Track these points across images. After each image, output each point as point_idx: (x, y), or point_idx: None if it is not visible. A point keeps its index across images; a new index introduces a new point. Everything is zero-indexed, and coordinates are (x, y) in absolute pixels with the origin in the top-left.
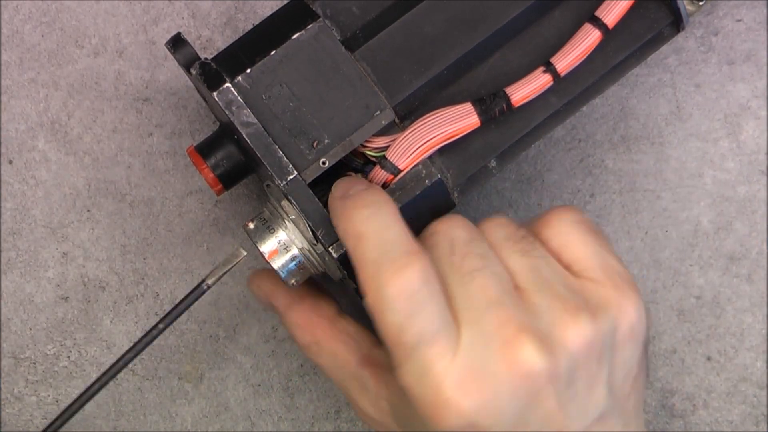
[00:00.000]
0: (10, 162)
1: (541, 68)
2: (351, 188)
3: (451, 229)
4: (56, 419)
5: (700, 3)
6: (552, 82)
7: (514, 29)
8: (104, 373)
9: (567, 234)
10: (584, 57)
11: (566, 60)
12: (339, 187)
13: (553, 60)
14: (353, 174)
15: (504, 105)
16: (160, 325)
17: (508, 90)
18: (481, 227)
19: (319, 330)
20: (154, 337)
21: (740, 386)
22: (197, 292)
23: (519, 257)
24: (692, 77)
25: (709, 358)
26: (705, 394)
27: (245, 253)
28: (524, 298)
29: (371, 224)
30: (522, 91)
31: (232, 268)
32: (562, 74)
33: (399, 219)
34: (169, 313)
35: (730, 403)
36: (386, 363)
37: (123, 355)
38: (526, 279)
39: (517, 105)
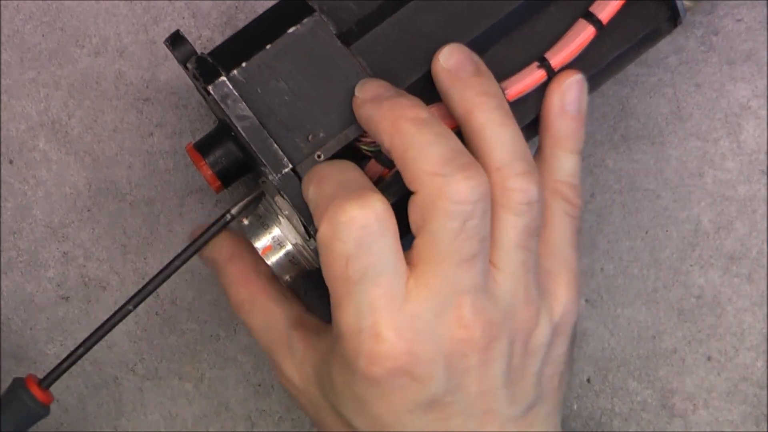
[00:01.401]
0: (11, 162)
1: (536, 63)
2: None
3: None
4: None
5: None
6: (546, 78)
7: (510, 25)
8: (128, 301)
9: (558, 221)
10: (578, 52)
11: (560, 55)
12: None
13: (547, 55)
14: None
15: None
16: (176, 262)
17: (503, 85)
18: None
19: (255, 287)
20: (179, 266)
21: (740, 386)
22: (221, 222)
23: (516, 247)
24: (692, 77)
25: (709, 358)
26: (705, 394)
27: (262, 187)
28: (494, 277)
29: (333, 169)
30: (516, 86)
31: (253, 199)
32: (556, 69)
33: (360, 171)
34: (194, 242)
35: (730, 403)
36: (317, 327)
37: (148, 283)
38: (507, 260)
39: (511, 99)
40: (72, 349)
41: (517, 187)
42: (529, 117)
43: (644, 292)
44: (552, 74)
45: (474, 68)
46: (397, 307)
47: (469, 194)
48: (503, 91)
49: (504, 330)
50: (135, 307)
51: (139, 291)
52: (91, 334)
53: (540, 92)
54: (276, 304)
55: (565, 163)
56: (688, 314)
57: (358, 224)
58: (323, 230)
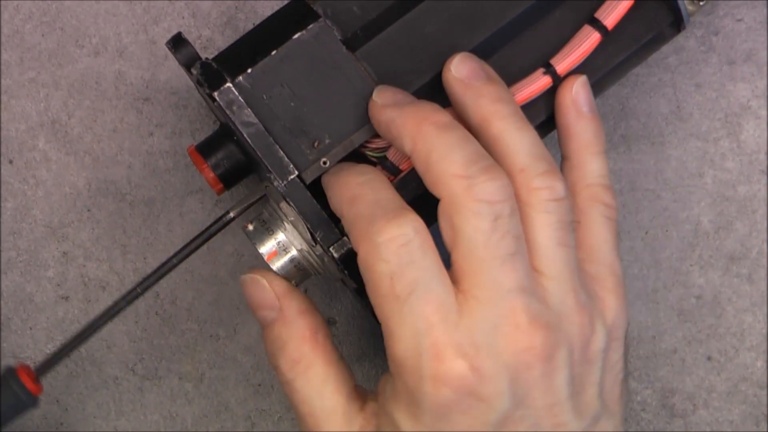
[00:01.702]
0: (11, 162)
1: (541, 70)
2: (342, 163)
3: (500, 205)
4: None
5: (701, 3)
6: (551, 84)
7: (515, 30)
8: (123, 297)
9: (597, 226)
10: (584, 58)
11: (566, 61)
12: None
13: (552, 61)
14: None
15: None
16: (174, 260)
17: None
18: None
19: (321, 347)
20: (175, 265)
21: (740, 386)
22: (221, 223)
23: (554, 245)
24: (692, 77)
25: (709, 358)
26: (705, 394)
27: (264, 191)
28: (539, 282)
29: (365, 188)
30: (522, 93)
31: (255, 203)
32: (562, 75)
33: (392, 186)
34: (194, 240)
35: (730, 403)
36: (370, 396)
37: (146, 278)
38: (548, 260)
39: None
40: (71, 346)
41: (543, 185)
42: (535, 122)
43: (644, 292)
44: (557, 80)
45: (486, 76)
46: (452, 323)
47: (495, 193)
48: None
49: (562, 336)
50: (129, 303)
51: (136, 286)
52: (85, 328)
53: (545, 98)
54: (336, 370)
55: (593, 165)
56: (688, 314)
57: (399, 242)
58: (363, 253)
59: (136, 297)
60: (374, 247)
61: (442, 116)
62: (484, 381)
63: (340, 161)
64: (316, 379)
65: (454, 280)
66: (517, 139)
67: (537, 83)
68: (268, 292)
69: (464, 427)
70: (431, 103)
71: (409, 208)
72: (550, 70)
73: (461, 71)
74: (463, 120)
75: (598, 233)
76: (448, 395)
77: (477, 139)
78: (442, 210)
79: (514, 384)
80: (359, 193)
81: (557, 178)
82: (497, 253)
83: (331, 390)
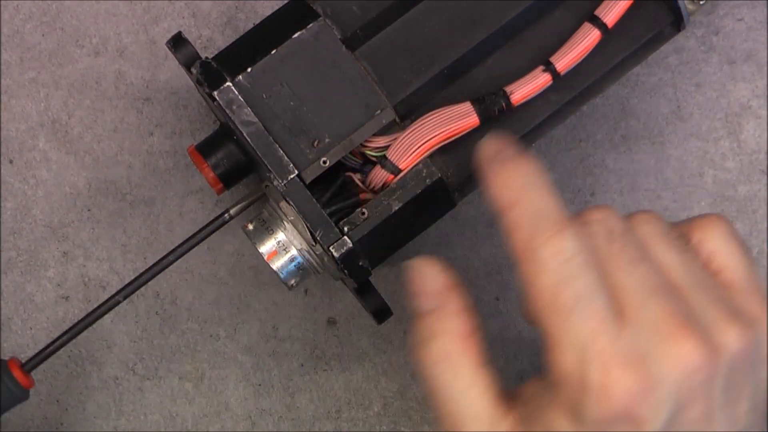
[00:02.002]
0: (11, 161)
1: (541, 67)
2: (502, 151)
3: (608, 219)
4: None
5: (701, 2)
6: (551, 81)
7: (514, 29)
8: (113, 296)
9: (721, 241)
10: (584, 56)
11: (566, 59)
12: (488, 148)
13: (552, 59)
14: (352, 175)
15: (503, 104)
16: (171, 258)
17: (508, 89)
18: (632, 221)
19: (472, 343)
20: (171, 262)
21: None
22: (219, 221)
23: (675, 255)
24: (693, 77)
25: None
26: None
27: (263, 191)
28: (682, 295)
29: (528, 193)
30: (522, 90)
31: (254, 202)
32: (562, 73)
33: (553, 192)
34: (191, 238)
35: None
36: (517, 397)
37: (140, 275)
38: (682, 277)
39: (516, 104)
40: (63, 340)
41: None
42: (535, 120)
43: None
44: (557, 78)
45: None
46: (615, 334)
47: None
48: (508, 95)
49: (721, 344)
50: (125, 298)
51: (130, 283)
52: (78, 322)
53: (544, 96)
54: (485, 373)
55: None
56: None
57: (562, 258)
58: (525, 264)
59: (132, 293)
60: (537, 261)
61: (527, 168)
62: (649, 394)
63: (339, 161)
64: (463, 379)
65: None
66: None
67: (536, 81)
68: (436, 281)
69: None
70: (528, 162)
71: (569, 219)
72: (550, 67)
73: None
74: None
75: (725, 250)
76: (613, 407)
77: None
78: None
79: (676, 393)
80: (521, 197)
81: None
82: (634, 257)
83: (478, 393)
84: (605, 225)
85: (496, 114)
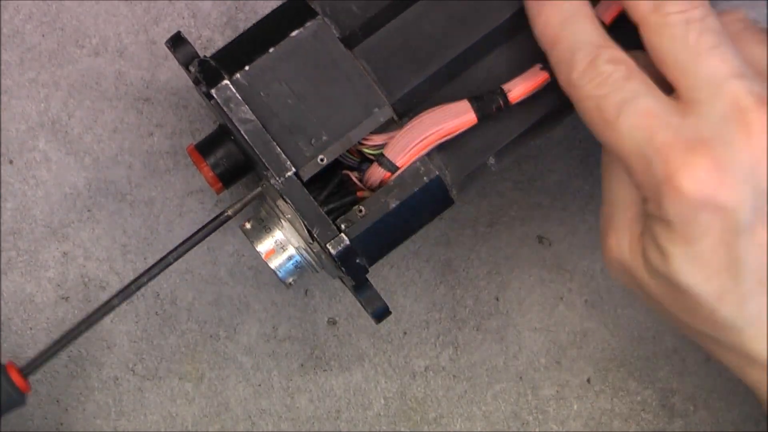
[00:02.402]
0: (11, 162)
1: (539, 65)
2: None
3: (689, 12)
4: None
5: None
6: (549, 79)
7: (513, 27)
8: (111, 298)
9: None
10: None
11: None
12: None
13: None
14: (350, 173)
15: (501, 102)
16: (170, 258)
17: (506, 87)
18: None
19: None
20: (170, 263)
21: (740, 386)
22: (217, 222)
23: (759, 47)
24: None
25: (709, 358)
26: (705, 394)
27: (260, 189)
28: (759, 81)
29: (565, 29)
30: (519, 88)
31: (252, 199)
32: None
33: (592, 18)
34: (190, 238)
35: (730, 403)
36: None
37: (136, 279)
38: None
39: (514, 101)
40: (63, 343)
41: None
42: (533, 118)
43: None
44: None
45: None
46: (676, 125)
47: (681, 3)
48: (506, 92)
49: None
50: (121, 302)
51: (127, 286)
52: (75, 326)
53: (544, 93)
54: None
55: None
56: None
57: (598, 80)
58: (569, 95)
59: (130, 295)
60: (577, 89)
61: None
62: (725, 176)
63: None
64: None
65: (675, 97)
66: None
67: (534, 78)
68: None
69: (717, 231)
70: None
71: (607, 41)
72: (547, 65)
73: None
74: None
75: None
76: (687, 199)
77: None
78: (642, 37)
79: (754, 177)
80: (559, 34)
81: None
82: (699, 50)
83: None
84: (683, 15)
85: (494, 112)
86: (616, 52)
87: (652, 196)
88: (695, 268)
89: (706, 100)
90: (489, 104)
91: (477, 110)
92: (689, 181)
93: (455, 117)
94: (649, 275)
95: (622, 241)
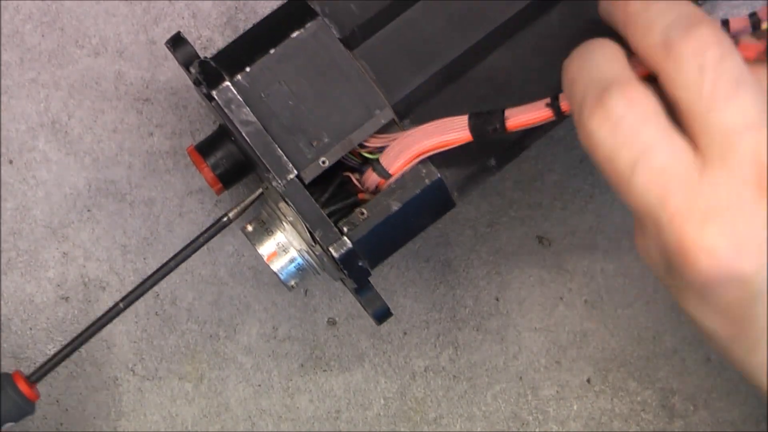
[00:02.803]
0: (11, 162)
1: (546, 101)
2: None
3: (703, 56)
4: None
5: (700, 3)
6: (553, 118)
7: (513, 28)
8: (123, 299)
9: None
10: None
11: None
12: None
13: (562, 96)
14: (350, 175)
15: (497, 126)
16: (171, 264)
17: (507, 113)
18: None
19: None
20: (172, 269)
21: (740, 386)
22: (218, 225)
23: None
24: None
25: (709, 359)
26: (705, 394)
27: (261, 190)
28: None
29: (582, 71)
30: (519, 118)
31: (252, 203)
32: (566, 113)
33: (610, 56)
34: (192, 243)
35: (730, 403)
36: None
37: (141, 283)
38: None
39: (510, 129)
40: (69, 350)
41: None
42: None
43: (644, 293)
44: (560, 116)
45: None
46: (692, 187)
47: (696, 49)
48: (505, 119)
49: None
50: (126, 306)
51: (132, 291)
52: (81, 333)
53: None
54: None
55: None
56: None
57: (608, 126)
58: (581, 140)
59: (132, 303)
60: (588, 134)
61: None
62: (742, 246)
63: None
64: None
65: (693, 146)
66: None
67: (537, 113)
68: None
69: (732, 294)
70: None
71: (624, 79)
72: (554, 104)
73: None
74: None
75: None
76: (704, 270)
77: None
78: (659, 81)
79: None
80: (576, 77)
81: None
82: (714, 100)
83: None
84: (696, 59)
85: (489, 133)
86: (632, 88)
87: (667, 256)
88: (709, 315)
89: (723, 156)
90: (486, 125)
91: (473, 129)
92: (704, 256)
93: (451, 132)
94: (668, 282)
95: (648, 244)
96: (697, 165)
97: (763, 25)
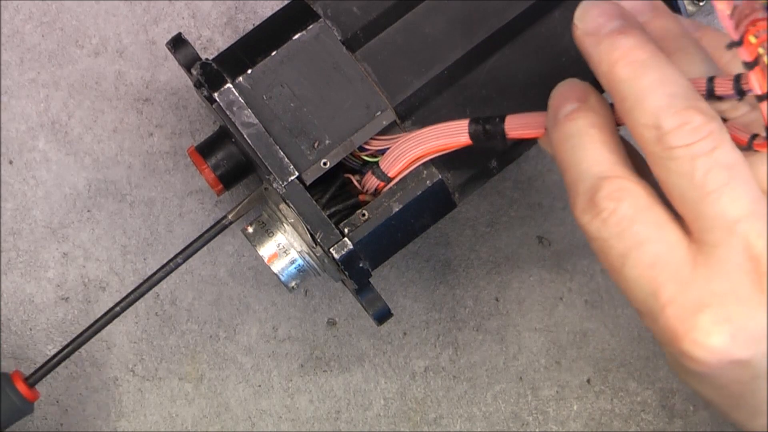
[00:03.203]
0: (11, 162)
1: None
2: (559, 111)
3: (695, 145)
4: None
5: (701, 3)
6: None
7: (514, 30)
8: (123, 299)
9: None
10: None
11: None
12: (551, 104)
13: None
14: (351, 176)
15: (497, 133)
16: (178, 259)
17: (508, 123)
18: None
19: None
20: (172, 270)
21: None
22: (219, 226)
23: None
24: None
25: None
26: None
27: (261, 193)
28: None
29: (569, 155)
30: (520, 130)
31: (253, 206)
32: None
33: (599, 141)
34: (190, 245)
35: None
36: None
37: (138, 286)
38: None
39: (510, 139)
40: (68, 351)
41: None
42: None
43: None
44: None
45: (617, 26)
46: (684, 279)
47: (687, 137)
48: (505, 130)
49: None
50: (123, 310)
51: (130, 294)
52: (78, 335)
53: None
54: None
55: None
56: None
57: (598, 221)
58: (581, 228)
59: (131, 304)
60: (582, 226)
61: (639, 53)
62: (738, 335)
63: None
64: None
65: (687, 233)
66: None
67: (538, 126)
68: (577, 87)
69: (730, 376)
70: (634, 34)
71: (614, 169)
72: None
73: (587, 24)
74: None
75: None
76: (700, 359)
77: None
78: (648, 162)
79: None
80: (565, 160)
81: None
82: (707, 189)
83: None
84: (688, 152)
85: (489, 139)
86: (621, 183)
87: (662, 343)
88: (708, 391)
89: (716, 244)
90: (486, 131)
91: (472, 134)
92: (698, 346)
93: (451, 136)
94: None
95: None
96: (690, 254)
97: (750, 93)
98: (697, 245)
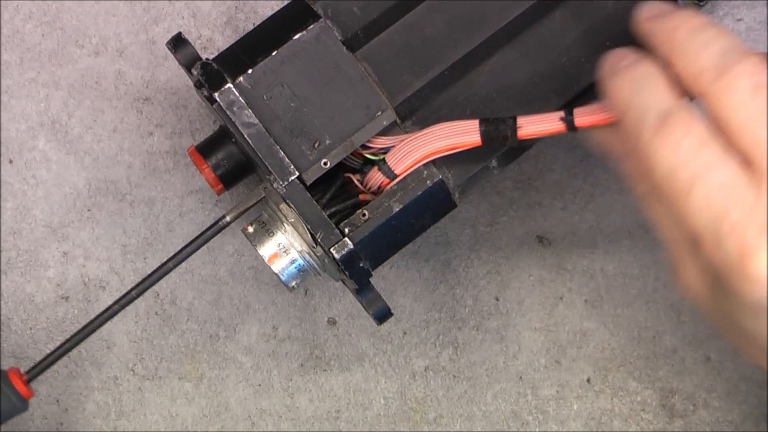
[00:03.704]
0: (11, 162)
1: (561, 113)
2: (620, 62)
3: (756, 77)
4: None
5: (701, 3)
6: (564, 131)
7: (515, 30)
8: (116, 302)
9: None
10: (608, 122)
11: (588, 118)
12: (610, 60)
13: (576, 111)
14: (351, 176)
15: (509, 133)
16: (170, 265)
17: (519, 121)
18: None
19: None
20: (167, 272)
21: (740, 386)
22: (216, 228)
23: None
24: None
25: (709, 358)
26: (705, 394)
27: (263, 194)
28: None
29: (633, 100)
30: (531, 128)
31: (251, 207)
32: (579, 128)
33: (660, 83)
34: (186, 246)
35: (730, 403)
36: None
37: (136, 285)
38: None
39: (522, 138)
40: (65, 348)
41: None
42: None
43: (644, 292)
44: (573, 131)
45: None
46: (749, 204)
47: (745, 73)
48: (516, 127)
49: None
50: (122, 308)
51: (128, 292)
52: (74, 334)
53: (547, 96)
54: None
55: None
56: (688, 314)
57: (667, 152)
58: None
59: (130, 302)
60: (647, 157)
61: (696, 20)
62: None
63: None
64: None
65: (749, 167)
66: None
67: (550, 125)
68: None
69: None
70: (687, 11)
71: (679, 104)
72: (568, 118)
73: (648, 11)
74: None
75: None
76: (765, 281)
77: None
78: (708, 108)
79: None
80: (630, 101)
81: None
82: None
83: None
84: (748, 80)
85: (499, 139)
86: (688, 115)
87: (724, 272)
88: (762, 325)
89: None
90: (497, 132)
91: (483, 134)
92: (764, 266)
93: (461, 135)
94: (714, 311)
95: (692, 273)
96: (753, 181)
97: None
98: (760, 176)
